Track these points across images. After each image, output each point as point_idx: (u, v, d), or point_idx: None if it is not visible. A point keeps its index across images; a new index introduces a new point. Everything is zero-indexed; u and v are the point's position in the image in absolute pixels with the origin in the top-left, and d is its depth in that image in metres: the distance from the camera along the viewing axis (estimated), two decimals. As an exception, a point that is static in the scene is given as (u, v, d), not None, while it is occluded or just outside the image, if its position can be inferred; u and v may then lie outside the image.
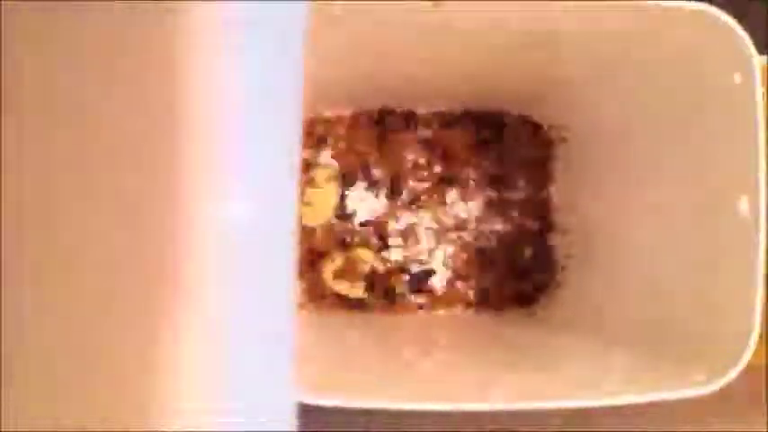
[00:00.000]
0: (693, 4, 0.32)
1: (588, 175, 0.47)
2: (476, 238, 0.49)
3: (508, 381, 0.36)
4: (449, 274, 0.49)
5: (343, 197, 0.48)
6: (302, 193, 0.48)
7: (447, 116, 0.49)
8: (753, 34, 0.32)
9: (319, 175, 0.48)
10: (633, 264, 0.42)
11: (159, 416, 0.18)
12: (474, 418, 0.33)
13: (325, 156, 0.49)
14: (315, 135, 0.48)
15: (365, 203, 0.49)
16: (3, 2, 0.19)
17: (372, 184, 0.49)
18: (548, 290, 0.49)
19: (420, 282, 0.49)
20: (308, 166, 0.48)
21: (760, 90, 0.32)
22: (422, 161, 0.49)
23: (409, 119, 0.49)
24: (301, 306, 0.47)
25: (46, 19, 0.19)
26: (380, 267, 0.48)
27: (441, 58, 0.40)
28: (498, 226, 0.50)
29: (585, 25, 0.35)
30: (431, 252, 0.49)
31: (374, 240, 0.49)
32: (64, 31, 0.19)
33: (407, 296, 0.49)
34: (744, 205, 0.33)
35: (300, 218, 0.48)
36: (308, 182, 0.48)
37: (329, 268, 0.48)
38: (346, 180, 0.48)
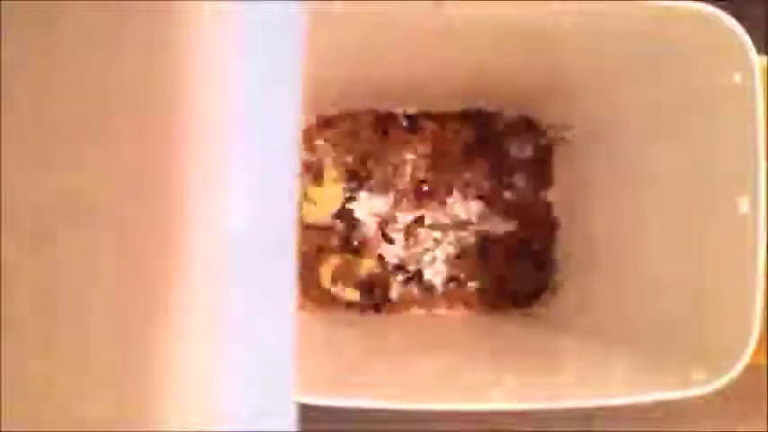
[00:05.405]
0: (694, 3, 0.32)
1: (588, 176, 0.47)
2: (476, 238, 0.49)
3: (508, 381, 0.36)
4: (449, 274, 0.49)
5: (345, 198, 0.49)
6: (306, 192, 0.48)
7: (447, 116, 0.49)
8: (753, 34, 0.32)
9: (326, 175, 0.48)
10: (633, 263, 0.42)
11: (159, 416, 0.18)
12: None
13: (326, 156, 0.49)
14: (315, 135, 0.49)
15: (365, 203, 0.49)
16: (3, 2, 0.19)
17: (373, 185, 0.49)
18: (548, 290, 0.49)
19: (420, 282, 0.49)
20: (308, 166, 0.48)
21: (760, 90, 0.32)
22: (422, 161, 0.49)
23: (409, 119, 0.49)
24: (301, 306, 0.47)
25: (46, 18, 0.19)
26: (379, 272, 0.48)
27: (441, 59, 0.40)
28: (498, 226, 0.50)
29: (585, 25, 0.35)
30: (431, 252, 0.49)
31: (374, 240, 0.49)
32: (64, 30, 0.19)
33: (407, 296, 0.49)
34: (744, 205, 0.33)
35: (301, 217, 0.48)
36: (313, 181, 0.48)
37: (327, 269, 0.48)
38: (350, 181, 0.48)
